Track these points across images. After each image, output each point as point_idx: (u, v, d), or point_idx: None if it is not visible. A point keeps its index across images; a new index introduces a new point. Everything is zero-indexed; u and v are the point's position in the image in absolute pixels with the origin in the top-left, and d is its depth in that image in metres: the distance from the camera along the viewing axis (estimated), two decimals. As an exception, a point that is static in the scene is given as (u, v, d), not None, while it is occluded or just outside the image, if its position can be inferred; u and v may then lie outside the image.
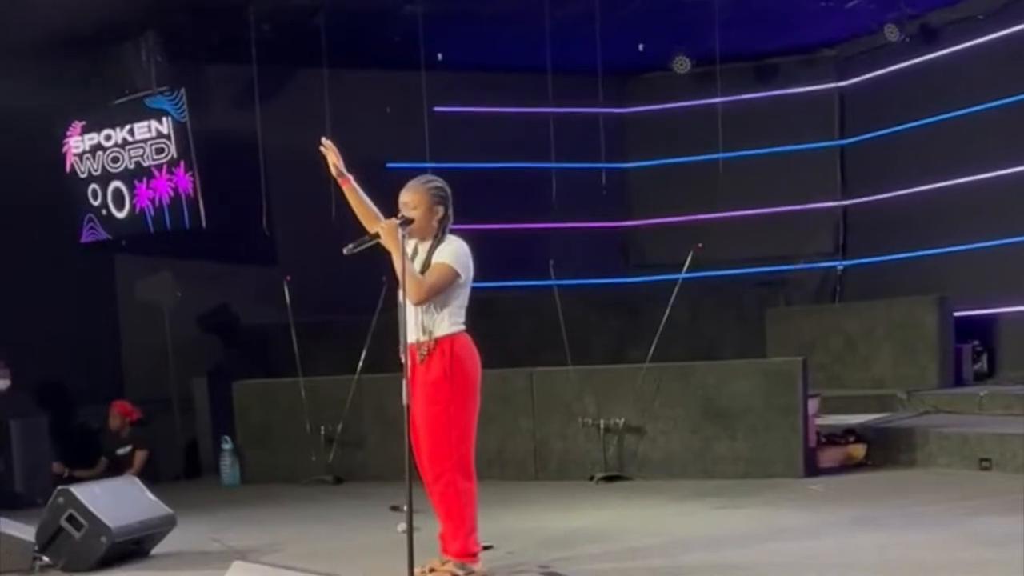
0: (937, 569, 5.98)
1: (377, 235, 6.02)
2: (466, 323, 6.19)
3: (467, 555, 6.18)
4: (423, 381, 6.04)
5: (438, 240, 6.14)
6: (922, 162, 13.58)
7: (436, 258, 6.09)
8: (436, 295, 6.03)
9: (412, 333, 6.06)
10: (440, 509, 6.19)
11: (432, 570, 6.14)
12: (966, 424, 9.98)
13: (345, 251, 6.00)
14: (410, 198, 6.12)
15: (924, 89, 13.55)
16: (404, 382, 5.79)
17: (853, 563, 6.25)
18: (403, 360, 5.95)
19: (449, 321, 6.08)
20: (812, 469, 9.55)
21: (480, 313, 15.15)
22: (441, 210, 6.13)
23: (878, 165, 14.37)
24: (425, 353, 6.04)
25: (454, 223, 6.25)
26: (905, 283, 13.30)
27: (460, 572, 6.12)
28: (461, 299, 6.14)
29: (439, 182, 6.22)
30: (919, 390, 11.53)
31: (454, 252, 6.09)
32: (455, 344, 6.08)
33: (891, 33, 12.81)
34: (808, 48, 14.74)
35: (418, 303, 6.01)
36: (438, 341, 6.05)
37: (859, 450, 9.97)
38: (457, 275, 6.07)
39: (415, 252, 6.17)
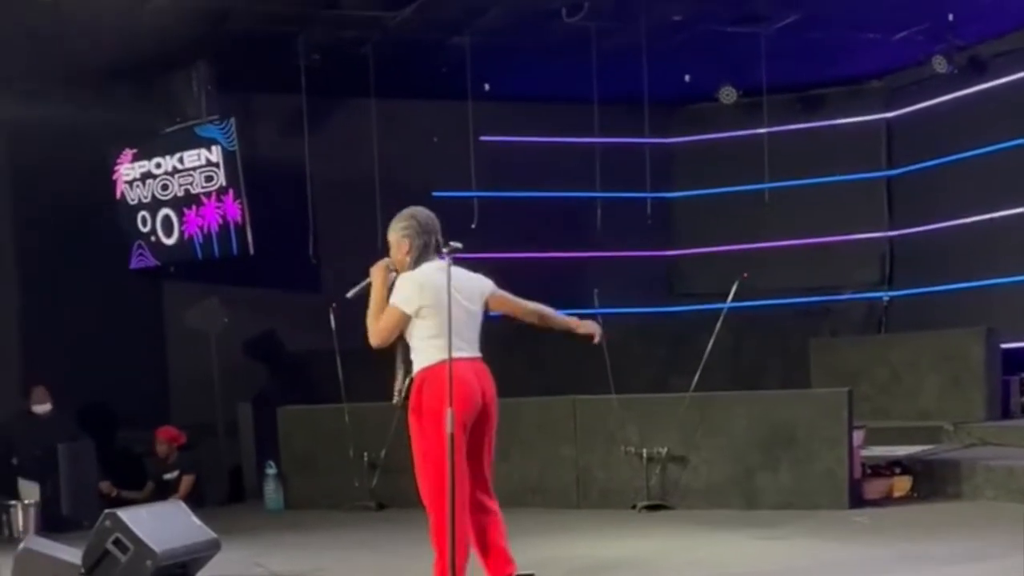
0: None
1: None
2: (443, 351, 5.90)
3: None
4: (408, 420, 6.09)
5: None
6: (969, 193, 13.51)
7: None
8: (388, 336, 6.06)
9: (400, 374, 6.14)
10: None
11: None
12: (1013, 456, 9.88)
13: (348, 295, 6.18)
14: (389, 236, 6.23)
15: (972, 121, 13.48)
16: (449, 410, 5.77)
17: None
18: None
19: (419, 358, 6.06)
20: (857, 501, 9.48)
21: (523, 341, 15.13)
22: (407, 243, 6.13)
23: (925, 196, 14.30)
24: (407, 389, 6.08)
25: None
26: (952, 314, 13.21)
27: None
28: (424, 331, 6.02)
29: (409, 218, 6.21)
30: (966, 422, 11.42)
31: (399, 289, 6.04)
32: (422, 379, 6.02)
33: (939, 65, 12.77)
34: (856, 79, 14.72)
35: (376, 347, 6.09)
36: (414, 378, 6.06)
37: (905, 482, 9.88)
38: (402, 313, 6.01)
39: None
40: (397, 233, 6.17)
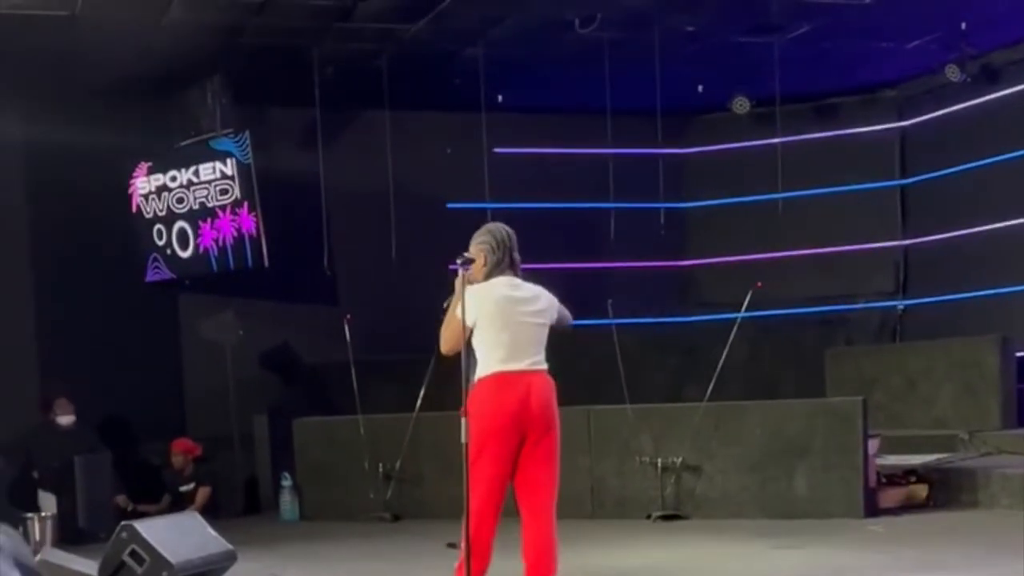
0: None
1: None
2: (502, 362, 6.14)
3: None
4: None
5: None
6: (983, 202, 13.49)
7: None
8: (450, 343, 6.21)
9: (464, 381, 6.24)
10: None
11: None
12: (1029, 465, 9.88)
13: (444, 306, 6.29)
14: (470, 250, 6.36)
15: (985, 129, 13.47)
16: (463, 420, 5.90)
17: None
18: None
19: (480, 367, 6.19)
20: (873, 510, 9.48)
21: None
22: (482, 258, 6.30)
23: (939, 205, 14.28)
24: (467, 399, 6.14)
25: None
26: (967, 323, 13.19)
27: None
28: (479, 343, 6.19)
29: (486, 233, 6.39)
30: (981, 430, 11.41)
31: (462, 299, 6.16)
32: (474, 392, 6.15)
33: (952, 73, 12.76)
34: (869, 88, 14.70)
35: (445, 355, 6.27)
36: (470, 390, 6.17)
37: (921, 490, 9.87)
38: (460, 323, 6.12)
39: None
40: (475, 247, 6.36)
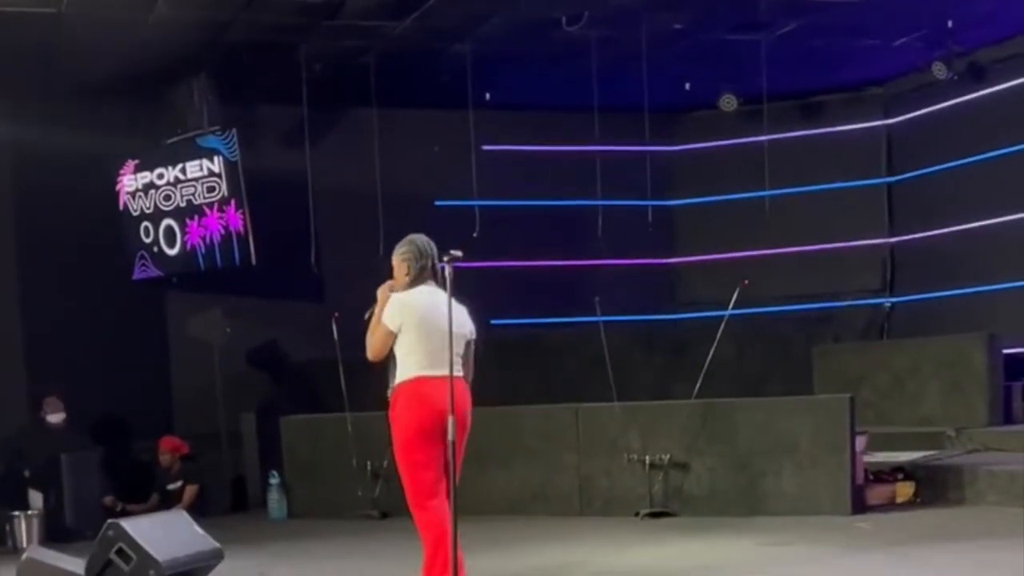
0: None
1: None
2: (422, 367, 6.52)
3: None
4: None
5: None
6: (970, 199, 13.52)
7: None
8: (377, 352, 6.61)
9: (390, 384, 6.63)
10: None
11: None
12: (1015, 462, 9.88)
13: (365, 317, 6.68)
14: (392, 259, 6.76)
15: (972, 127, 13.50)
16: (451, 419, 6.12)
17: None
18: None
19: (398, 372, 6.57)
20: (860, 507, 9.50)
21: (526, 350, 15.12)
22: (405, 267, 6.67)
23: (926, 202, 14.31)
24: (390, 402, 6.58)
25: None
26: (954, 320, 13.22)
27: None
28: (403, 348, 6.54)
29: (409, 243, 6.72)
30: (968, 428, 11.43)
31: (388, 308, 6.58)
32: (397, 393, 6.55)
33: (939, 71, 12.78)
34: (855, 86, 14.73)
35: (371, 360, 6.66)
36: (392, 392, 6.59)
37: (907, 488, 9.89)
38: (387, 329, 6.54)
39: None
40: (398, 257, 6.71)
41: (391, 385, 6.59)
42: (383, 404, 6.56)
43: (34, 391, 12.17)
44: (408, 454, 6.50)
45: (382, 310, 6.58)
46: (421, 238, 6.74)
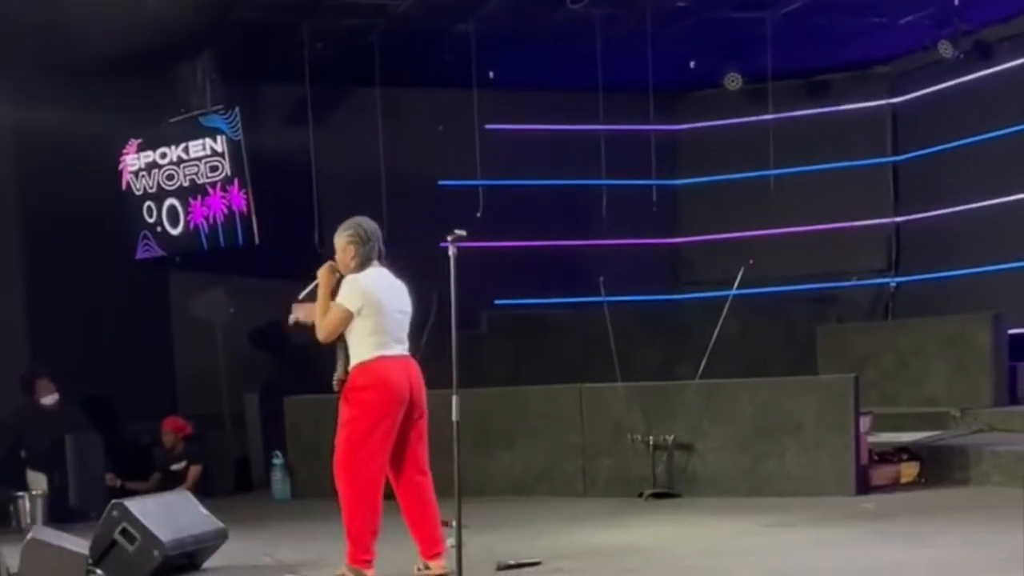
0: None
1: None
2: (384, 347, 6.69)
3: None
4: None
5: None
6: (976, 179, 13.47)
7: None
8: (331, 334, 6.71)
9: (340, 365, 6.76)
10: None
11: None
12: (1020, 442, 9.87)
13: (300, 296, 6.88)
14: (335, 241, 6.83)
15: (978, 105, 13.43)
16: (455, 398, 6.21)
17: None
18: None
19: (356, 353, 6.68)
20: (864, 487, 9.48)
21: (530, 330, 15.08)
22: (352, 249, 6.74)
23: (931, 182, 14.26)
24: (343, 383, 6.74)
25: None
26: (959, 300, 13.18)
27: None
28: (364, 329, 6.65)
29: (356, 226, 6.81)
30: (972, 408, 11.41)
31: (344, 290, 6.67)
32: (359, 371, 6.67)
33: (945, 49, 12.71)
34: (861, 65, 14.65)
35: (323, 342, 6.74)
36: (349, 372, 6.72)
37: (912, 468, 9.87)
38: (346, 311, 6.64)
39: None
40: (344, 239, 6.80)
41: (345, 367, 6.70)
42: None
43: (26, 374, 12.11)
44: (372, 431, 6.62)
45: (327, 291, 6.67)
46: (367, 221, 6.84)
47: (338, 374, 6.78)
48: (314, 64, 12.66)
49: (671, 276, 15.74)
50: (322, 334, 6.73)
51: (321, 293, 6.72)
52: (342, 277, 6.77)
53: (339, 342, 6.75)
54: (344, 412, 6.76)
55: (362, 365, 6.64)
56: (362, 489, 6.69)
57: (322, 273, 6.77)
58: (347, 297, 6.66)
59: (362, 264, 6.73)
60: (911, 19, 12.70)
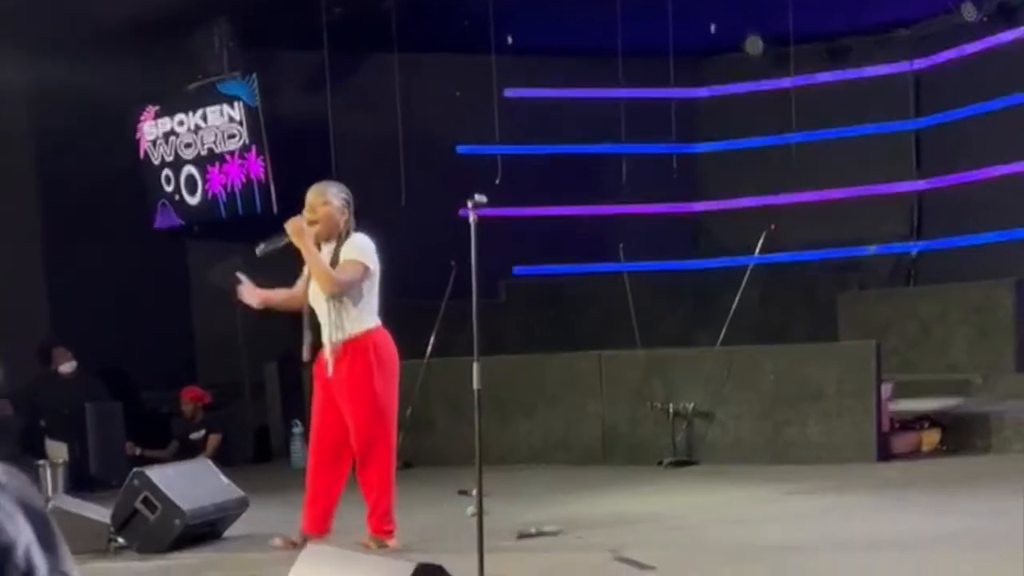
0: (1020, 554, 5.87)
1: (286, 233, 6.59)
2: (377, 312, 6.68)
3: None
4: (347, 376, 6.51)
5: (342, 240, 6.58)
6: (999, 143, 13.33)
7: (345, 255, 6.52)
8: (349, 288, 6.48)
9: (326, 331, 6.55)
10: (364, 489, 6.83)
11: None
12: (1043, 410, 9.81)
13: (257, 252, 6.80)
14: (315, 200, 6.64)
15: (1001, 69, 13.29)
16: (475, 365, 5.92)
17: (932, 547, 6.16)
18: (305, 357, 6.66)
19: (358, 318, 6.55)
20: (885, 454, 9.44)
21: (549, 297, 15.05)
22: (347, 212, 6.65)
23: (954, 147, 14.13)
24: (341, 350, 6.48)
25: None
26: (981, 266, 13.06)
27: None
28: (373, 292, 6.59)
29: (345, 191, 6.74)
30: (995, 375, 11.33)
31: (361, 247, 6.56)
32: (373, 339, 6.55)
33: (968, 12, 12.58)
34: (883, 28, 14.49)
35: (331, 295, 6.48)
36: (357, 337, 6.49)
37: (934, 436, 9.82)
38: (367, 268, 6.53)
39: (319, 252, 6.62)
40: (339, 200, 6.65)
41: (348, 330, 6.50)
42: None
43: (42, 344, 12.13)
44: (392, 401, 6.62)
45: (312, 245, 6.49)
46: (342, 185, 6.79)
47: (309, 341, 6.69)
48: (332, 29, 12.58)
49: (691, 243, 15.66)
50: (336, 288, 6.51)
51: (312, 251, 6.54)
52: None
53: (306, 310, 6.71)
54: (375, 380, 6.57)
55: (369, 333, 6.57)
56: (393, 460, 6.75)
57: (295, 230, 6.55)
58: (366, 255, 6.57)
59: (351, 229, 6.68)
60: (934, -19, 12.57)
